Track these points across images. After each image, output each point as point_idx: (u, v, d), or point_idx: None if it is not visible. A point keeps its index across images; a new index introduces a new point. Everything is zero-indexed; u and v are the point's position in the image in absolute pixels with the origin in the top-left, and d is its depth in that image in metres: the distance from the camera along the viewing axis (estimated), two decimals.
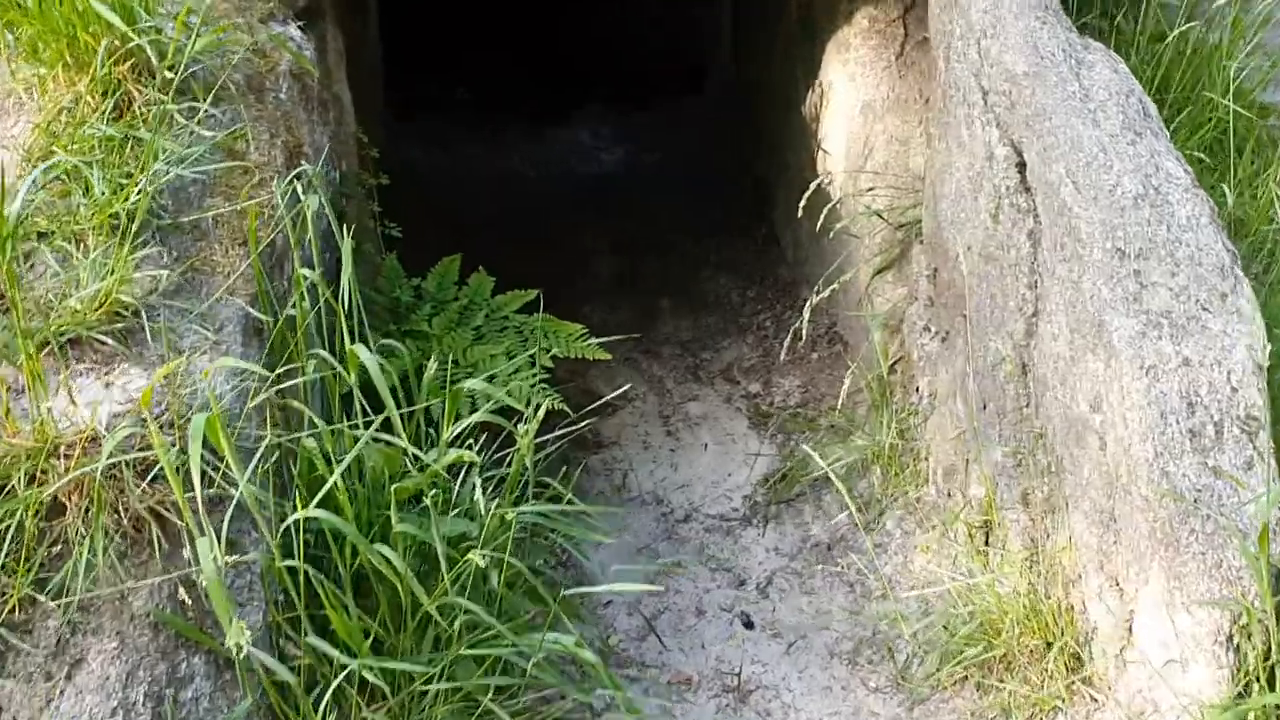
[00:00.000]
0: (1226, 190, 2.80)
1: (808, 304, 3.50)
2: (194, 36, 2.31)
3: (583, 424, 2.80)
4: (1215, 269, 2.19)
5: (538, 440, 2.37)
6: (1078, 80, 2.41)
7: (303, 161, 2.53)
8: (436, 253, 4.29)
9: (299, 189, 2.26)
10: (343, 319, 2.13)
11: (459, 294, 3.28)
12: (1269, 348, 2.10)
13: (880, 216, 3.47)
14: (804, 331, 3.45)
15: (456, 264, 3.34)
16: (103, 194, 2.16)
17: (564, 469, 2.74)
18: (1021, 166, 2.44)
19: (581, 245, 4.97)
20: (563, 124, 6.29)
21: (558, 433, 2.64)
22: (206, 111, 2.36)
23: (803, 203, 3.48)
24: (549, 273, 4.70)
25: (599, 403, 3.08)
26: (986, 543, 2.69)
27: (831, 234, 3.56)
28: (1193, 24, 3.35)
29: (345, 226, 2.28)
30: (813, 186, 3.48)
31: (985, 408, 2.65)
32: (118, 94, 2.28)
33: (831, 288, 3.60)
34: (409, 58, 5.75)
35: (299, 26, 2.80)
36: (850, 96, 3.68)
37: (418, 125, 5.71)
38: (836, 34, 3.75)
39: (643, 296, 4.57)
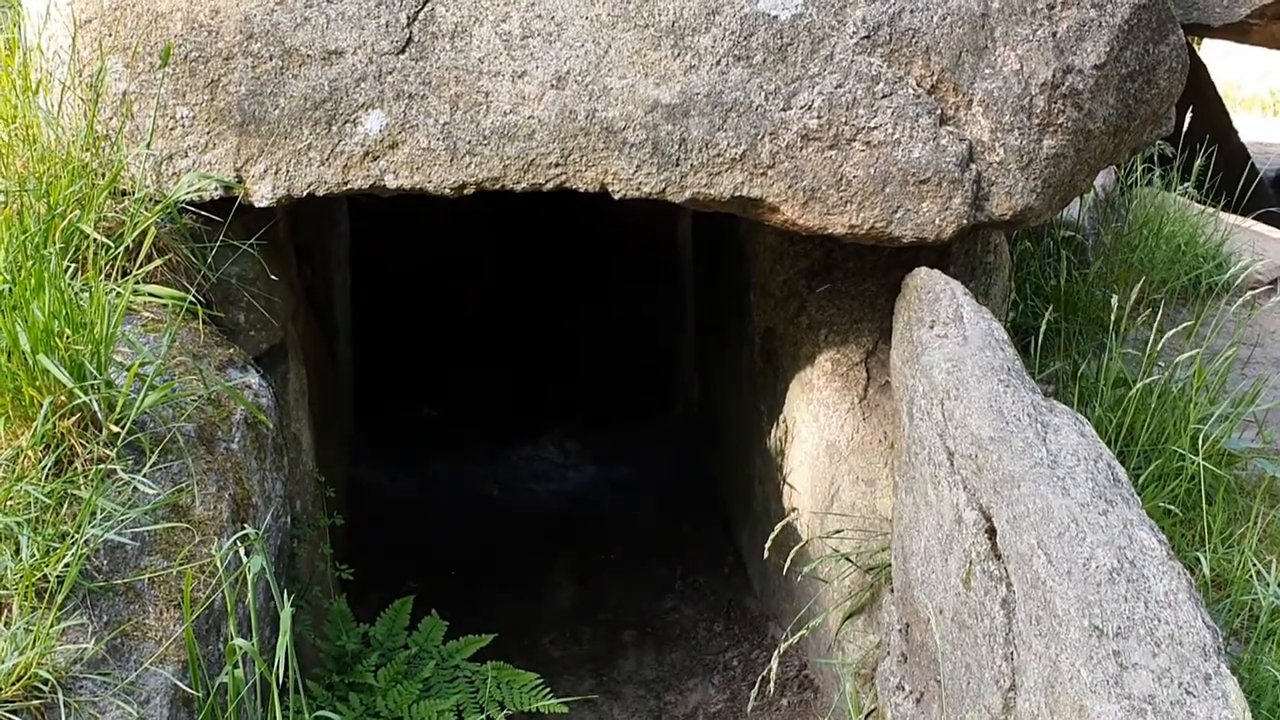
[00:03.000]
0: (1201, 557, 2.73)
1: (776, 651, 3.38)
2: (143, 393, 2.25)
3: None
4: (1197, 649, 2.08)
5: None
6: (1044, 445, 2.38)
7: (251, 514, 2.44)
8: (395, 584, 4.16)
9: (241, 551, 2.15)
10: (276, 697, 1.98)
11: (409, 640, 3.12)
12: None
13: (848, 560, 3.38)
14: (773, 677, 3.30)
15: (407, 607, 3.20)
16: (32, 556, 2.04)
17: None
18: (991, 532, 2.37)
19: (545, 570, 4.85)
20: (532, 441, 6.28)
21: None
22: (152, 465, 2.29)
23: (768, 542, 3.41)
24: (510, 601, 4.57)
25: None
26: None
27: (799, 577, 3.46)
28: (1153, 378, 3.39)
29: (294, 576, 2.17)
30: (777, 529, 3.42)
31: None
32: (60, 449, 2.21)
33: (800, 633, 3.48)
34: (379, 377, 5.79)
35: (259, 372, 2.77)
36: (814, 436, 3.67)
37: (386, 444, 5.69)
38: (800, 373, 3.78)
39: (605, 628, 4.41)
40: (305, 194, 2.86)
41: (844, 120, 2.89)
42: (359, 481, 5.00)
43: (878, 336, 3.60)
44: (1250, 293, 6.49)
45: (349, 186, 2.86)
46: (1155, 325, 3.64)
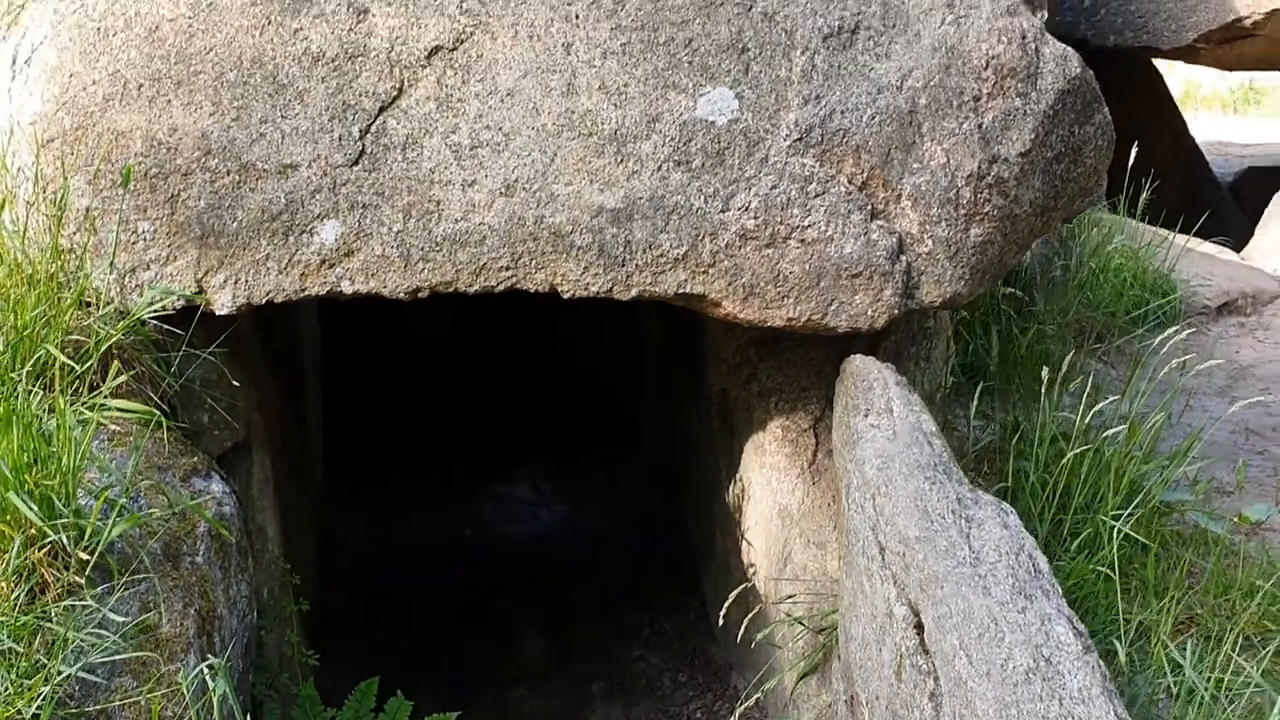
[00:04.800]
0: (1118, 643, 2.88)
1: (737, 709, 3.53)
2: (111, 521, 2.37)
3: None
4: None
5: None
6: (968, 543, 2.52)
7: (216, 624, 2.56)
8: (366, 642, 4.28)
9: (207, 675, 2.28)
10: None
11: None
12: None
13: (801, 623, 3.53)
14: None
15: (373, 689, 3.32)
16: (6, 692, 2.16)
17: None
18: (920, 627, 2.51)
19: (515, 619, 4.98)
20: (504, 479, 6.41)
21: None
22: (121, 587, 2.40)
23: (727, 602, 3.56)
24: (481, 652, 4.70)
25: None
26: None
27: (753, 644, 3.60)
28: (1085, 447, 3.54)
29: (263, 665, 2.30)
30: (734, 594, 3.57)
31: None
32: (31, 580, 2.32)
33: (756, 696, 3.63)
34: (351, 421, 5.91)
35: (223, 477, 2.89)
36: (768, 499, 3.81)
37: (360, 493, 5.80)
38: (753, 436, 3.91)
39: (574, 679, 4.55)
40: (264, 301, 2.98)
41: (780, 219, 3.02)
42: (331, 537, 5.12)
43: (824, 404, 3.74)
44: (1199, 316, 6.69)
45: (306, 293, 2.98)
46: (1088, 384, 3.78)
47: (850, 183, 3.08)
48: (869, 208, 3.09)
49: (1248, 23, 7.90)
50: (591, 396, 6.41)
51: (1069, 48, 3.40)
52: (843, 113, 3.07)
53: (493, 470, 6.35)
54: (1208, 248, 7.64)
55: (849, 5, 3.14)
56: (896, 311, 3.12)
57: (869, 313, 3.10)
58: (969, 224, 3.15)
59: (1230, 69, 9.63)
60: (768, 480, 3.81)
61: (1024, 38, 3.26)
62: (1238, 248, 8.31)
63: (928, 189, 3.11)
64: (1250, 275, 7.07)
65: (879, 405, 2.93)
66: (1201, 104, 19.38)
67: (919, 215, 3.11)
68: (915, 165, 3.11)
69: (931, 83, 3.13)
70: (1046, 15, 6.39)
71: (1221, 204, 11.28)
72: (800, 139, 3.04)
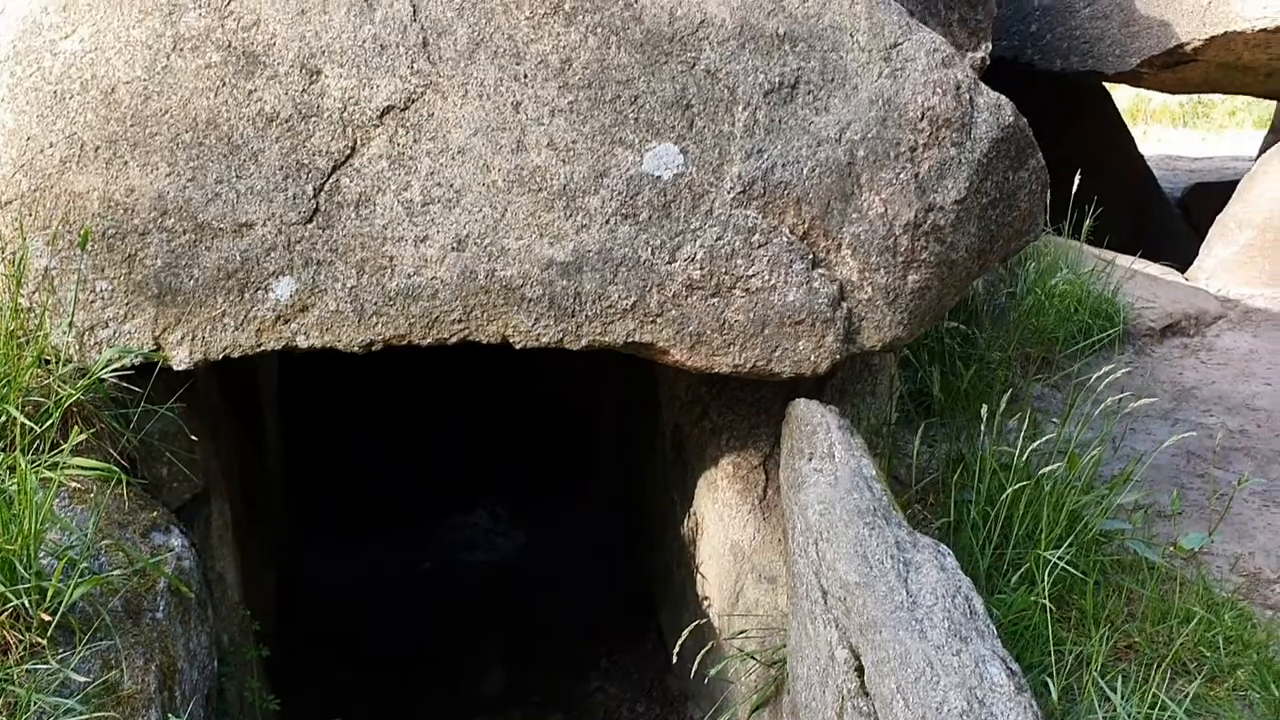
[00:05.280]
0: (1050, 681, 2.98)
1: None
2: (72, 583, 2.43)
3: None
4: None
5: None
6: (905, 588, 2.62)
7: (177, 678, 2.62)
8: (327, 681, 4.34)
9: None
10: None
11: None
12: None
13: (753, 658, 3.62)
14: None
15: None
16: None
17: None
18: (861, 670, 2.61)
19: (476, 648, 5.04)
20: (464, 510, 6.47)
21: None
22: (83, 645, 2.46)
23: (682, 638, 3.65)
24: (442, 684, 4.76)
25: None
26: None
27: (707, 679, 3.69)
28: (1026, 482, 3.65)
29: (224, 710, 2.35)
30: (687, 631, 3.65)
31: None
32: None
33: None
34: (310, 457, 5.95)
35: (183, 531, 2.95)
36: (720, 534, 3.90)
37: (319, 528, 5.85)
38: (705, 472, 4.01)
39: (534, 711, 4.62)
40: (221, 356, 3.04)
41: (724, 270, 3.12)
42: (292, 575, 5.17)
43: (774, 441, 3.84)
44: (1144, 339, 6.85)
45: (263, 348, 3.05)
46: (1028, 416, 3.90)
47: (792, 233, 3.18)
48: (810, 257, 3.19)
49: (1189, 48, 8.09)
50: (551, 427, 6.49)
51: (1003, 96, 3.51)
52: (784, 165, 3.17)
53: (452, 501, 6.41)
54: (1152, 269, 7.81)
55: (789, 61, 3.24)
56: (838, 356, 3.22)
57: (812, 358, 3.20)
58: (907, 271, 3.26)
59: (1174, 92, 9.85)
60: (720, 516, 3.90)
61: (958, 89, 3.37)
62: (1186, 265, 8.50)
63: (867, 238, 3.22)
64: (1193, 296, 7.25)
65: (822, 449, 3.03)
66: (1151, 118, 19.72)
67: (859, 263, 3.22)
68: (854, 215, 3.22)
69: (869, 135, 3.24)
70: (990, 46, 6.54)
71: (1171, 221, 11.51)
72: (743, 192, 3.14)
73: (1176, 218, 11.86)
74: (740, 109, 3.19)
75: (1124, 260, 7.66)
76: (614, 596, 5.30)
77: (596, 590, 5.41)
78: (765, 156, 3.16)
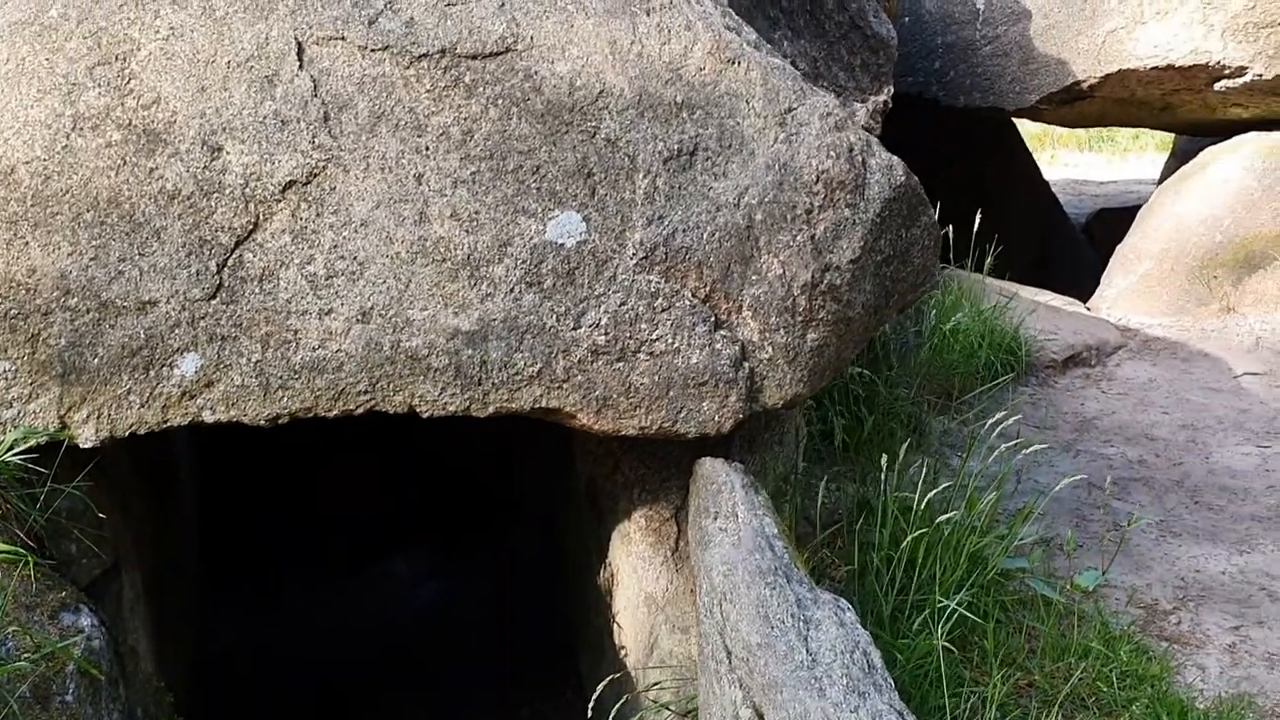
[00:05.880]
0: None
1: None
2: None
3: None
4: None
5: None
6: (805, 646, 2.70)
7: None
8: None
9: None
10: None
11: None
12: None
13: (668, 709, 3.68)
14: None
15: None
16: None
17: None
18: None
19: (394, 704, 5.04)
20: (383, 559, 6.46)
21: None
22: None
23: (600, 687, 3.69)
24: None
25: None
26: None
27: None
28: (924, 530, 3.76)
29: None
30: (604, 683, 3.70)
31: None
32: None
33: None
34: (226, 518, 5.91)
35: (92, 610, 2.95)
36: (634, 586, 3.96)
37: (237, 588, 5.80)
38: (619, 525, 4.07)
39: None
40: (128, 434, 3.05)
41: (629, 334, 3.20)
42: (210, 639, 5.13)
43: (685, 493, 3.91)
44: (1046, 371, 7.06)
45: (169, 424, 3.06)
46: (925, 468, 4.02)
47: (694, 296, 3.27)
48: (712, 319, 3.28)
49: (1085, 85, 8.38)
50: (471, 474, 6.51)
51: (895, 157, 3.64)
52: (685, 231, 3.26)
53: (371, 553, 6.39)
54: (1055, 300, 8.05)
55: (688, 129, 3.34)
56: (741, 415, 3.31)
57: (716, 418, 3.29)
58: (806, 330, 3.36)
59: (1072, 126, 10.17)
60: (634, 568, 3.96)
61: (851, 151, 3.49)
62: (1092, 289, 8.76)
63: (766, 299, 3.31)
64: (1094, 326, 7.49)
65: (726, 509, 3.12)
66: (1058, 143, 20.25)
67: (759, 324, 3.31)
68: (754, 277, 3.31)
69: (767, 199, 3.34)
70: (892, 89, 6.72)
71: (1077, 248, 11.85)
72: (646, 257, 3.22)
73: (1082, 243, 12.21)
74: (641, 176, 3.27)
75: (1027, 292, 7.89)
76: (536, 647, 5.33)
77: (517, 638, 5.43)
78: (666, 222, 3.25)
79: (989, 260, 6.92)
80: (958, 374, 6.31)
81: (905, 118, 8.64)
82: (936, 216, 3.75)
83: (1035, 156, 17.04)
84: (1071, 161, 20.00)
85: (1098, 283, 8.84)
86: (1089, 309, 8.21)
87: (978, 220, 6.56)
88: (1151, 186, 13.40)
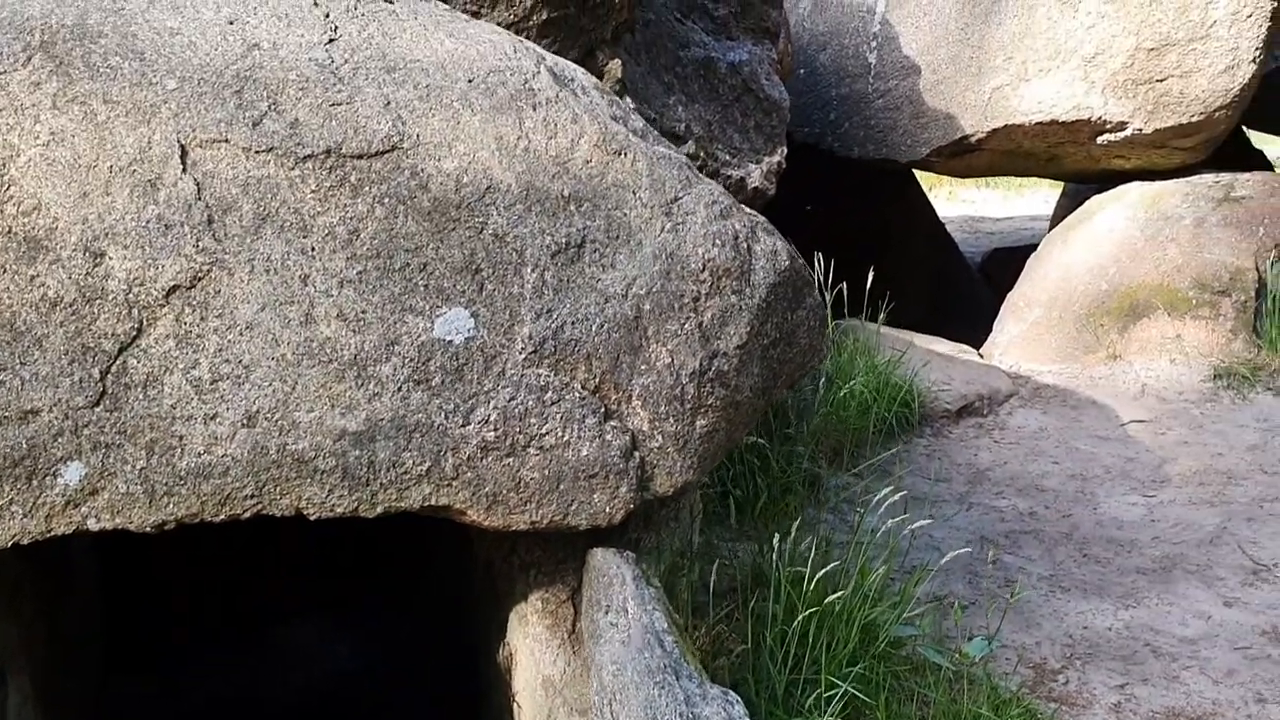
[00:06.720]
0: None
1: None
2: None
3: None
4: None
5: None
6: None
7: None
8: None
9: None
10: None
11: None
12: None
13: None
14: None
15: None
16: None
17: None
18: None
19: None
20: (286, 622, 6.37)
21: None
22: None
23: None
24: None
25: None
26: None
27: None
28: (814, 609, 3.84)
29: None
30: None
31: None
32: None
33: None
34: (127, 595, 5.79)
35: None
36: (532, 669, 3.98)
37: (140, 661, 5.69)
38: (516, 606, 4.08)
39: None
40: (10, 544, 3.00)
41: (519, 429, 3.23)
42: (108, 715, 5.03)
43: (582, 574, 3.94)
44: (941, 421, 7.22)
45: (53, 533, 3.01)
46: (814, 545, 4.10)
47: (584, 388, 3.31)
48: (603, 410, 3.33)
49: (974, 139, 8.64)
50: (380, 536, 6.45)
51: (779, 242, 3.74)
52: (573, 323, 3.30)
53: (276, 620, 6.30)
54: (948, 348, 8.25)
55: (575, 221, 3.39)
56: (632, 505, 3.36)
57: (607, 510, 3.33)
58: (695, 417, 3.43)
59: (963, 176, 10.45)
60: (531, 650, 3.98)
61: (737, 238, 3.57)
62: (986, 332, 8.98)
63: (655, 388, 3.37)
64: (987, 375, 7.68)
65: (617, 603, 3.15)
66: (957, 180, 20.74)
67: (649, 414, 3.37)
68: (643, 367, 3.37)
69: (654, 288, 3.41)
70: (785, 150, 6.87)
71: (974, 289, 12.16)
72: (535, 351, 3.26)
73: (979, 283, 12.53)
74: (529, 270, 3.31)
75: (922, 340, 8.07)
76: (442, 715, 5.30)
77: (424, 707, 5.40)
78: (555, 315, 3.29)
79: (883, 312, 7.09)
80: (854, 429, 6.44)
81: (806, 165, 8.85)
82: (846, 262, 3.86)
83: (934, 193, 17.46)
84: (969, 198, 20.51)
85: (993, 322, 9.06)
86: (982, 356, 8.42)
87: (871, 275, 6.71)
88: (1044, 223, 13.81)
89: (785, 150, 6.95)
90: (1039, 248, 8.96)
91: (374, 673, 5.94)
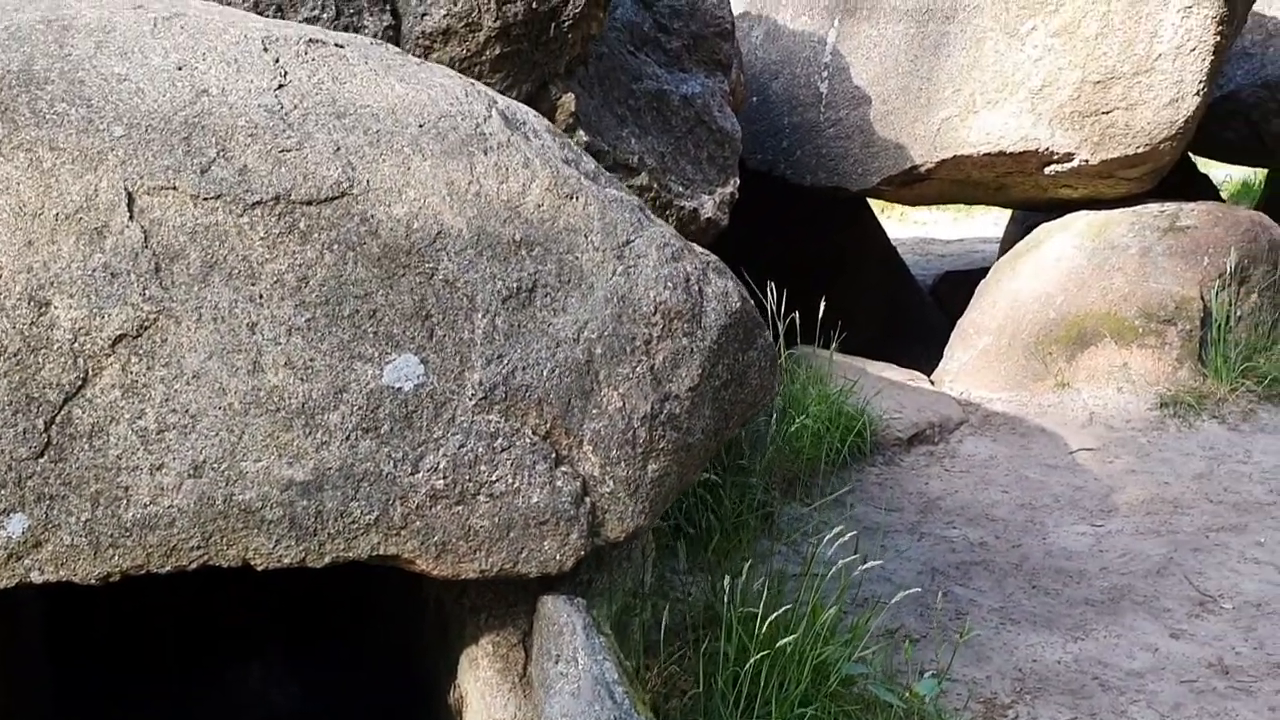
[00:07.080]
0: None
1: None
2: None
3: None
4: None
5: None
6: None
7: None
8: None
9: None
10: None
11: None
12: None
13: None
14: None
15: None
16: None
17: None
18: None
19: None
20: (238, 663, 6.29)
21: None
22: None
23: None
24: None
25: None
26: None
27: None
28: (766, 652, 3.85)
29: None
30: None
31: None
32: None
33: None
34: (74, 643, 5.70)
35: None
36: (482, 713, 3.95)
37: (89, 711, 5.59)
38: (467, 649, 4.06)
39: None
40: None
41: (468, 477, 3.22)
42: None
43: (533, 618, 3.93)
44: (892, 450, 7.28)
45: None
46: (765, 587, 4.12)
47: (535, 434, 3.31)
48: (553, 456, 3.32)
49: (923, 169, 8.73)
50: (328, 582, 6.39)
51: (730, 283, 3.76)
52: (524, 369, 3.30)
53: (224, 660, 6.23)
54: (900, 375, 8.31)
55: (526, 266, 3.39)
56: (583, 552, 3.35)
57: (557, 556, 3.33)
58: (646, 460, 3.43)
59: (914, 204, 10.56)
60: (481, 694, 3.95)
61: (688, 281, 3.59)
62: (938, 355, 9.05)
63: (607, 433, 3.37)
64: (937, 403, 7.75)
65: (567, 653, 3.15)
66: None
67: (600, 458, 3.37)
68: (595, 411, 3.37)
69: (606, 332, 3.42)
70: (739, 180, 6.91)
71: (926, 312, 12.27)
72: (485, 397, 3.25)
73: (931, 307, 12.65)
74: (480, 316, 3.31)
75: (875, 368, 8.13)
76: None
77: None
78: (506, 361, 3.29)
79: (835, 340, 7.14)
80: (807, 459, 6.48)
81: (761, 193, 8.90)
82: (800, 289, 3.89)
83: (886, 215, 17.63)
84: (920, 219, 20.72)
85: (944, 347, 9.14)
86: (933, 382, 8.49)
87: (824, 301, 6.75)
88: (995, 245, 13.97)
89: (738, 181, 7.00)
90: (988, 275, 9.06)
91: (325, 714, 5.88)
